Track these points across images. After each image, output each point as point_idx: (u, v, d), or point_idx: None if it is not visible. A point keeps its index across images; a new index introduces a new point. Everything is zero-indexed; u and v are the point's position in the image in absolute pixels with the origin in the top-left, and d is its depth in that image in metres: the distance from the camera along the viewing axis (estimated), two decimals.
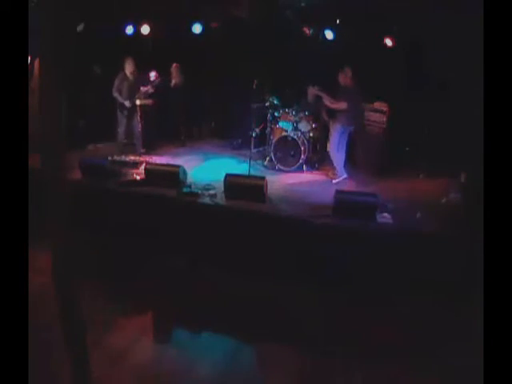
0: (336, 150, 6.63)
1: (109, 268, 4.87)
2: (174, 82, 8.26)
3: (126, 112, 7.34)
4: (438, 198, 5.71)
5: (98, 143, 8.31)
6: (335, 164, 6.74)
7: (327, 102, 6.58)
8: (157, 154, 7.66)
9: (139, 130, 7.53)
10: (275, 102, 7.75)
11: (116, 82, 7.34)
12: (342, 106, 6.45)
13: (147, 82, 7.69)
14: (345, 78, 6.50)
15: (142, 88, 7.42)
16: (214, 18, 7.89)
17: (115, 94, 7.35)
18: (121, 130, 7.49)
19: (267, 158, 7.63)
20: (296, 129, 7.39)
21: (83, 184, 6.03)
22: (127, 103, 7.29)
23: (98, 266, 4.83)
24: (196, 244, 5.19)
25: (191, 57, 8.41)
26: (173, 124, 8.48)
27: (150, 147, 7.80)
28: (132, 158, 7.07)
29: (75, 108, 7.72)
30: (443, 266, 4.55)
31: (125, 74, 7.35)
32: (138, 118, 7.49)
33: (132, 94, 7.34)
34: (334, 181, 6.68)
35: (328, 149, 6.89)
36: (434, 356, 3.66)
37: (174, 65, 8.33)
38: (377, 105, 7.35)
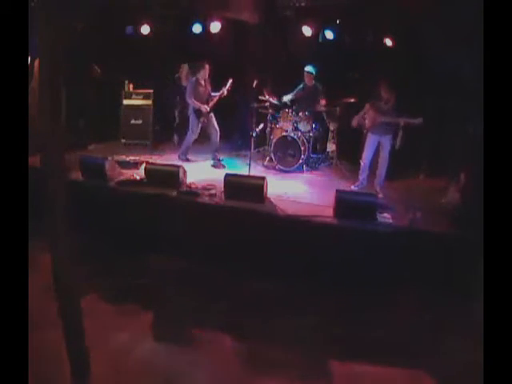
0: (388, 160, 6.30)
1: (108, 268, 4.86)
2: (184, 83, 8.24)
3: (202, 118, 7.24)
4: (437, 198, 5.71)
5: (98, 143, 8.32)
6: (380, 173, 6.32)
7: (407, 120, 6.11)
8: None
9: (217, 134, 7.41)
10: (275, 101, 7.75)
11: (189, 88, 7.26)
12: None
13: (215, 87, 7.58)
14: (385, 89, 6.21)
15: (213, 94, 7.34)
16: (214, 18, 7.88)
17: (190, 100, 7.24)
18: (195, 134, 7.38)
19: (267, 158, 7.63)
20: (296, 129, 7.39)
21: (83, 184, 6.02)
22: (204, 108, 7.21)
23: (97, 265, 4.82)
24: (196, 244, 5.19)
25: (191, 57, 8.40)
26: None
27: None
28: (132, 158, 7.06)
29: (75, 108, 7.71)
30: (443, 266, 4.56)
31: (197, 80, 7.25)
32: (215, 123, 7.40)
33: (206, 99, 7.27)
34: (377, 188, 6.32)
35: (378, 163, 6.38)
36: (434, 354, 3.66)
37: (185, 66, 8.36)
38: None
